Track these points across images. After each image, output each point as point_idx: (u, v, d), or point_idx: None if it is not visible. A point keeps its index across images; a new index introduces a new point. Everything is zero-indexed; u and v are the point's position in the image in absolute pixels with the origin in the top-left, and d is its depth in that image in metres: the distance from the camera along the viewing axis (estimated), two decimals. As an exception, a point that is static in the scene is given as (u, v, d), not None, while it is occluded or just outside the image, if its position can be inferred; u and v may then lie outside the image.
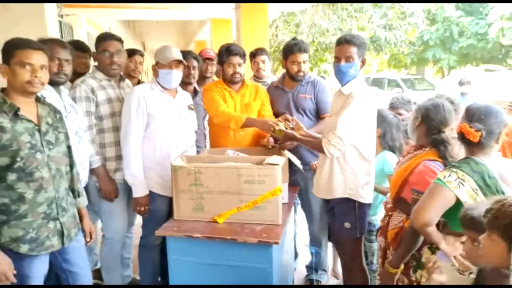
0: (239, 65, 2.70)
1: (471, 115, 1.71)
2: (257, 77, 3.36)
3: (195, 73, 3.02)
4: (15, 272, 1.72)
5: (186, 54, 2.95)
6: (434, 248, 1.81)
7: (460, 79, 6.80)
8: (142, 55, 3.24)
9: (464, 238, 1.67)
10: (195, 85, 3.16)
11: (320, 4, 8.43)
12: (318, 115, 2.84)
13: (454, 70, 17.58)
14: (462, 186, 1.62)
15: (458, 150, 1.91)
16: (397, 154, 2.55)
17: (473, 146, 1.70)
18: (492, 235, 1.23)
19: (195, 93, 3.08)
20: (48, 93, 2.16)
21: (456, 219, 1.68)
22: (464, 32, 15.44)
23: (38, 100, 1.86)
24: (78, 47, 2.86)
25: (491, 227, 1.23)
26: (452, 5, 10.20)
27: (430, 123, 1.96)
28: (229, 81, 2.75)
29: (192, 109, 2.70)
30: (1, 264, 1.68)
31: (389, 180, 2.42)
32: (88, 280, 2.08)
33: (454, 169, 1.66)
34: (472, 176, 1.62)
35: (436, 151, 1.93)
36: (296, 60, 2.72)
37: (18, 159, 1.70)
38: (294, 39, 2.85)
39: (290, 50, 2.72)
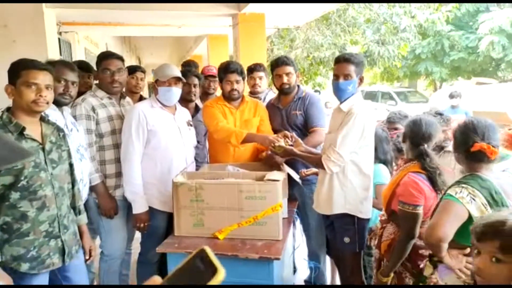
0: (237, 82, 2.75)
1: (481, 132, 1.72)
2: (252, 93, 3.40)
3: (196, 90, 3.05)
4: None
5: (187, 72, 3.00)
6: (435, 261, 1.83)
7: (450, 92, 6.95)
8: (143, 71, 3.29)
9: (467, 251, 1.70)
10: (198, 101, 3.19)
11: (314, 20, 8.57)
12: (308, 128, 2.82)
13: (446, 83, 17.83)
14: (473, 201, 1.64)
15: (450, 164, 1.97)
16: (389, 167, 2.62)
17: (480, 162, 1.72)
18: (505, 257, 1.21)
19: (196, 110, 3.11)
20: (51, 111, 2.19)
21: (461, 232, 1.69)
22: (455, 45, 15.72)
23: (43, 119, 1.89)
24: (82, 67, 2.89)
25: (506, 248, 1.21)
26: (443, 19, 10.41)
27: (412, 139, 2.08)
28: (227, 98, 2.79)
29: (191, 125, 2.72)
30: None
31: (377, 190, 2.50)
32: None
33: (464, 185, 1.67)
34: (481, 192, 1.65)
35: (420, 164, 2.03)
36: (277, 73, 2.83)
37: (22, 178, 1.72)
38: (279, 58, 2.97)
39: (273, 65, 2.87)
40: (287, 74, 2.81)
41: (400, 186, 2.00)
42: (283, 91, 2.86)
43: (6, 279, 1.64)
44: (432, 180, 1.99)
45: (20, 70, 1.75)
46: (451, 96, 6.79)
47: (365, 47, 10.09)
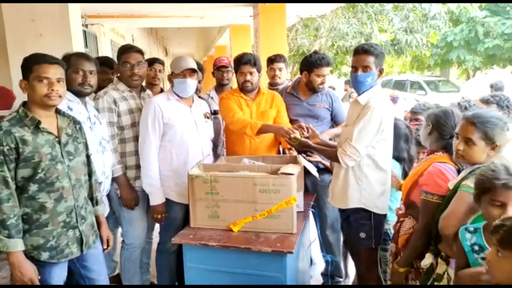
0: (251, 73, 2.74)
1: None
2: (271, 84, 3.37)
3: (200, 86, 3.08)
4: (39, 277, 1.80)
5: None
6: (447, 257, 1.81)
7: (491, 83, 6.62)
8: (161, 63, 3.32)
9: None
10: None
11: (340, 8, 8.38)
12: (335, 124, 2.95)
13: (479, 72, 17.11)
14: None
15: None
16: (401, 165, 2.55)
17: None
18: (503, 251, 1.22)
19: None
20: (75, 104, 2.25)
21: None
22: (490, 32, 14.99)
23: (58, 112, 1.93)
24: (104, 63, 2.95)
25: (504, 243, 1.22)
26: (476, 5, 9.93)
27: (441, 129, 2.01)
28: (241, 89, 2.79)
29: (208, 117, 2.73)
30: (27, 270, 1.75)
31: None
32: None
33: None
34: None
35: (448, 155, 1.97)
36: (322, 73, 2.81)
37: (40, 170, 1.77)
38: (316, 52, 2.94)
39: (317, 63, 2.79)
40: (327, 74, 2.86)
41: (424, 176, 1.95)
42: (317, 90, 2.88)
43: None
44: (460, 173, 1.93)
45: (31, 65, 1.79)
46: (491, 87, 6.47)
47: (392, 35, 9.79)
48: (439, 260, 1.84)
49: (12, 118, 1.78)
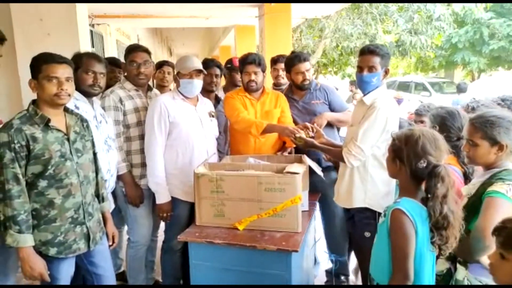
0: (255, 73, 2.75)
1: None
2: (275, 85, 3.39)
3: (217, 81, 3.09)
4: (49, 272, 1.83)
5: (209, 62, 3.03)
6: (464, 262, 1.74)
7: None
8: (170, 66, 3.36)
9: None
10: (221, 93, 3.23)
11: (345, 9, 8.39)
12: None
13: (484, 74, 17.05)
14: None
15: None
16: None
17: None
18: (506, 254, 1.20)
19: (217, 101, 3.14)
20: (82, 103, 2.28)
21: None
22: (495, 34, 14.94)
23: (66, 110, 1.97)
24: (112, 62, 3.01)
25: (506, 245, 1.20)
26: (481, 7, 9.90)
27: (448, 131, 2.00)
28: (245, 89, 2.81)
29: (213, 116, 2.75)
30: (37, 265, 1.79)
31: None
32: (112, 282, 2.16)
33: (510, 182, 1.60)
34: None
35: (454, 157, 1.95)
36: (299, 70, 2.83)
37: (50, 167, 1.80)
38: (292, 52, 3.00)
39: (291, 62, 2.84)
40: (307, 70, 2.84)
41: None
42: (302, 87, 2.89)
43: None
44: (466, 177, 1.92)
45: (40, 64, 1.82)
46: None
47: (396, 37, 9.79)
48: (458, 265, 1.78)
49: (23, 116, 1.81)
